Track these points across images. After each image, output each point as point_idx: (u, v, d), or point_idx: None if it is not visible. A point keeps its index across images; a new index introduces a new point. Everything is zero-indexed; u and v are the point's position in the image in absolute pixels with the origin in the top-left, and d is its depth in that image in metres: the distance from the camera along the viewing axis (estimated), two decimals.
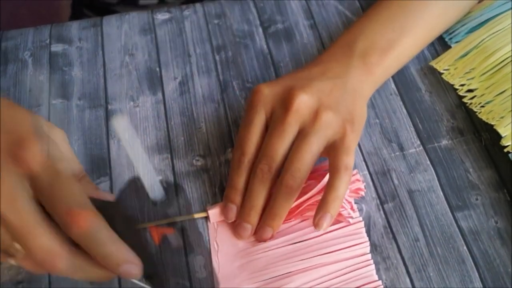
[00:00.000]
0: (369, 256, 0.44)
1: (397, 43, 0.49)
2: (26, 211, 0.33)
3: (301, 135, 0.43)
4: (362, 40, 0.49)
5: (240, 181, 0.44)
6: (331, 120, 0.43)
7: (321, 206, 0.41)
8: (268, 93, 0.45)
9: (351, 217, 0.45)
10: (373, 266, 0.44)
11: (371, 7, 0.53)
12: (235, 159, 0.45)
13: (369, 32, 0.49)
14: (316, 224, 0.41)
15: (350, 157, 0.42)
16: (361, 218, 0.46)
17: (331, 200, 0.41)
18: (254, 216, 0.44)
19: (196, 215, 0.46)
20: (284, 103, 0.43)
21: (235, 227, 0.44)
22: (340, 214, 0.45)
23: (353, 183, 0.46)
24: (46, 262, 0.33)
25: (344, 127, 0.43)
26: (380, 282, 0.43)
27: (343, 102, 0.45)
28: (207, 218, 0.46)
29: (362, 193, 0.47)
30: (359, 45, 0.48)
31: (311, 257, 0.43)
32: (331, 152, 0.43)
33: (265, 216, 0.44)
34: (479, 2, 0.56)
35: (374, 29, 0.50)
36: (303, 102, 0.43)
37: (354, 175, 0.46)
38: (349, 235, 0.45)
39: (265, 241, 0.44)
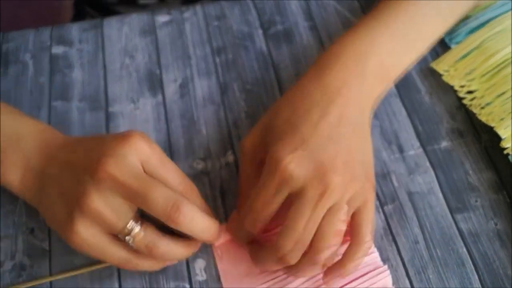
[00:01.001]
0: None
1: (404, 61, 0.48)
2: (140, 175, 0.38)
3: (331, 212, 0.40)
4: (373, 56, 0.45)
5: (252, 248, 0.44)
6: (358, 191, 0.41)
7: (338, 270, 0.41)
8: (297, 173, 0.40)
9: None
10: None
11: (374, 10, 0.49)
12: (245, 226, 0.42)
13: (379, 46, 0.46)
14: (327, 281, 0.42)
15: (372, 223, 0.42)
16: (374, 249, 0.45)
17: (348, 268, 0.41)
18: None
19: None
20: (317, 188, 0.39)
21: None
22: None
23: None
24: (168, 206, 0.38)
25: (365, 188, 0.41)
26: None
27: (363, 153, 0.43)
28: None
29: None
30: (370, 63, 0.45)
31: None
32: (355, 219, 0.42)
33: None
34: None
35: (384, 43, 0.46)
36: (337, 185, 0.40)
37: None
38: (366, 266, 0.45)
39: None
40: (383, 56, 0.46)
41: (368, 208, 0.42)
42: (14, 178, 0.43)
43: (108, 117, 0.52)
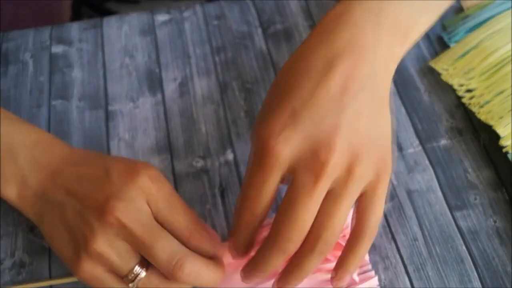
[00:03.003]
0: None
1: (417, 20, 0.41)
2: (148, 222, 0.38)
3: (332, 196, 0.35)
4: (387, 11, 0.38)
5: (248, 237, 0.39)
6: (365, 171, 0.36)
7: (341, 266, 0.38)
8: (286, 153, 0.35)
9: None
10: None
11: None
12: (243, 219, 0.38)
13: (390, 6, 0.39)
14: (335, 284, 0.39)
15: (379, 212, 0.37)
16: (373, 274, 0.44)
17: (351, 262, 0.37)
18: (264, 275, 0.39)
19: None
20: (312, 169, 0.35)
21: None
22: None
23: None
24: (171, 263, 0.37)
25: (377, 172, 0.36)
26: None
27: (375, 129, 0.37)
28: None
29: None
30: (386, 19, 0.38)
31: None
32: (360, 206, 0.37)
33: (289, 274, 0.38)
34: None
35: (394, 3, 0.39)
36: (334, 163, 0.34)
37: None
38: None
39: None
40: (397, 14, 0.39)
41: (377, 193, 0.36)
42: (11, 193, 0.42)
43: (108, 116, 0.52)
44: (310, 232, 0.36)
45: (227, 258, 0.41)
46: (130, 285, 0.39)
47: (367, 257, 0.44)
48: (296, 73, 0.37)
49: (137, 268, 0.38)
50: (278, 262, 0.37)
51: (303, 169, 0.35)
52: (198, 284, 0.39)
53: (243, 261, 0.40)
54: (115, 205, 0.37)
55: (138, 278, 0.39)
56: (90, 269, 0.38)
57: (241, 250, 0.39)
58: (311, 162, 0.35)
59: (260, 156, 0.36)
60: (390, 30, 0.38)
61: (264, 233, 0.40)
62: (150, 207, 0.39)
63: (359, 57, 0.36)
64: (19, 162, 0.42)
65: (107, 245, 0.38)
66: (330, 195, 0.35)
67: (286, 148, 0.35)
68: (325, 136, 0.35)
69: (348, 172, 0.35)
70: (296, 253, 0.37)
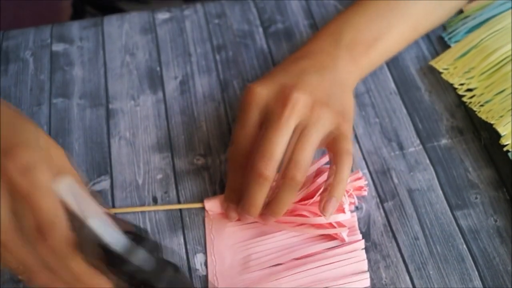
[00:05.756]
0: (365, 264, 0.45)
1: (383, 38, 0.51)
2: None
3: (299, 129, 0.43)
4: (348, 32, 0.50)
5: (239, 181, 0.45)
6: (325, 113, 0.44)
7: (331, 193, 0.42)
8: (261, 92, 0.44)
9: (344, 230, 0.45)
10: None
11: (356, 1, 0.53)
12: (232, 159, 0.45)
13: (355, 25, 0.51)
14: (322, 209, 0.42)
15: (349, 142, 0.44)
16: (361, 237, 0.46)
17: (336, 184, 0.42)
18: (255, 212, 0.44)
19: (192, 205, 0.47)
20: (279, 102, 0.44)
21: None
22: (335, 235, 0.45)
23: (355, 181, 0.47)
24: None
25: (338, 118, 0.44)
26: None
27: (333, 95, 0.46)
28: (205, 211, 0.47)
29: (365, 192, 0.47)
30: (345, 36, 0.50)
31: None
32: (330, 141, 0.44)
33: (270, 207, 0.44)
34: (469, 2, 0.57)
35: (360, 23, 0.51)
36: (298, 99, 0.43)
37: (356, 173, 0.47)
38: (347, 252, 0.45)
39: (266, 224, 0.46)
40: (357, 31, 0.50)
41: (341, 131, 0.44)
42: None
43: (109, 114, 0.52)
44: (282, 168, 0.43)
45: (215, 209, 0.46)
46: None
47: (357, 227, 0.46)
48: (279, 65, 0.49)
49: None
50: (262, 191, 0.43)
51: (274, 104, 0.44)
52: None
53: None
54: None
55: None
56: None
57: (233, 194, 0.45)
58: (280, 96, 0.44)
59: (243, 100, 0.45)
60: (349, 45, 0.49)
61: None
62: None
63: (322, 55, 0.48)
64: None
65: None
66: (297, 129, 0.43)
67: (264, 90, 0.44)
68: (294, 82, 0.45)
69: (311, 110, 0.43)
70: (273, 188, 0.43)
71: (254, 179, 0.43)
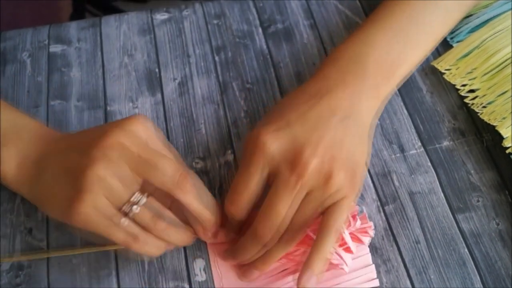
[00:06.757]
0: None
1: (406, 57, 0.47)
2: (148, 145, 0.39)
3: (308, 199, 0.40)
4: (371, 56, 0.45)
5: (236, 224, 0.43)
6: (341, 184, 0.40)
7: (307, 265, 0.39)
8: (271, 145, 0.40)
9: (345, 265, 0.42)
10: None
11: (373, 13, 0.49)
12: (231, 212, 0.42)
13: (377, 46, 0.46)
14: (299, 283, 0.38)
15: (343, 219, 0.40)
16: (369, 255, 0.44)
17: (316, 260, 0.39)
18: (242, 262, 0.43)
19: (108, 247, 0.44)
20: (289, 163, 0.39)
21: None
22: (331, 263, 0.42)
23: (360, 222, 0.44)
24: (176, 176, 0.38)
25: (349, 188, 0.40)
26: None
27: (354, 152, 0.41)
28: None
29: (371, 233, 0.44)
30: (368, 61, 0.45)
31: None
32: (327, 210, 0.40)
33: (257, 261, 0.42)
34: None
35: (381, 42, 0.46)
36: (309, 164, 0.39)
37: (363, 217, 0.44)
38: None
39: (248, 280, 0.43)
40: (382, 54, 0.45)
41: (343, 205, 0.40)
42: (11, 166, 0.42)
43: (107, 116, 0.52)
44: (279, 228, 0.40)
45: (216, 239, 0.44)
46: (134, 207, 0.38)
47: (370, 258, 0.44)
48: (294, 99, 0.44)
49: (138, 195, 0.38)
50: (254, 248, 0.41)
51: (286, 167, 0.39)
52: (198, 205, 0.39)
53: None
54: (114, 131, 0.38)
55: (139, 203, 0.38)
56: (90, 202, 0.37)
57: (229, 238, 0.44)
58: (294, 161, 0.39)
59: (253, 148, 0.40)
60: (374, 74, 0.44)
61: None
62: (147, 140, 0.39)
63: (345, 93, 0.43)
64: (24, 139, 0.42)
65: (108, 169, 0.37)
66: (307, 197, 0.40)
67: (274, 144, 0.40)
68: (311, 142, 0.40)
69: (326, 181, 0.39)
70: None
71: (250, 235, 0.41)
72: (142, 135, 0.39)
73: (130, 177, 0.38)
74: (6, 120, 0.43)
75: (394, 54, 0.46)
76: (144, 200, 0.38)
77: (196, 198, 0.39)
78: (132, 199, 0.38)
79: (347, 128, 0.41)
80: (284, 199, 0.39)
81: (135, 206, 0.38)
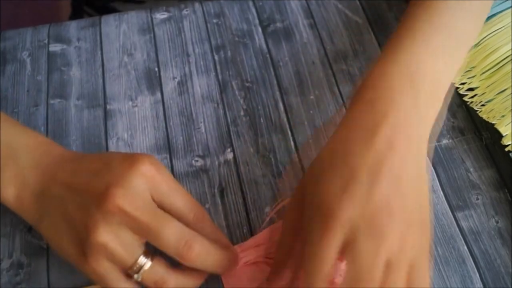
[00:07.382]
0: None
1: (450, 77, 0.42)
2: (151, 208, 0.38)
3: (391, 270, 0.35)
4: (426, 79, 0.40)
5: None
6: (414, 243, 0.36)
7: None
8: (351, 217, 0.34)
9: None
10: None
11: (406, 24, 0.43)
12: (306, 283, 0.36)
13: (426, 67, 0.40)
14: None
15: (426, 283, 0.36)
16: None
17: None
18: None
19: None
20: (373, 234, 0.34)
21: None
22: None
23: None
24: (180, 245, 0.37)
25: (421, 244, 0.36)
26: None
27: (419, 198, 0.37)
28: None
29: None
30: (425, 88, 0.39)
31: None
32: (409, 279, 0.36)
33: None
34: None
35: (428, 63, 0.40)
36: (396, 234, 0.34)
37: None
38: None
39: None
40: (434, 73, 0.40)
41: (422, 266, 0.36)
42: (9, 194, 0.41)
43: (106, 115, 0.52)
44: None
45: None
46: (135, 276, 0.38)
47: None
48: (344, 141, 0.38)
49: (142, 259, 0.38)
50: None
51: (364, 235, 0.34)
52: (208, 266, 0.39)
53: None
54: (114, 192, 0.37)
55: (142, 269, 0.38)
56: (95, 264, 0.37)
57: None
58: (372, 227, 0.34)
59: (323, 220, 0.35)
60: (427, 92, 0.39)
61: None
62: (151, 192, 0.39)
63: (397, 120, 0.37)
64: (20, 163, 0.41)
65: (110, 235, 0.37)
66: (389, 268, 0.34)
67: (350, 211, 0.34)
68: (384, 200, 0.35)
69: (403, 243, 0.35)
70: None
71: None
72: (144, 189, 0.38)
73: (133, 242, 0.38)
74: (1, 138, 0.42)
75: (443, 73, 0.41)
76: (149, 264, 0.38)
77: (204, 262, 0.39)
78: (137, 263, 0.38)
79: (406, 165, 0.36)
80: (366, 274, 0.34)
81: (136, 275, 0.38)
